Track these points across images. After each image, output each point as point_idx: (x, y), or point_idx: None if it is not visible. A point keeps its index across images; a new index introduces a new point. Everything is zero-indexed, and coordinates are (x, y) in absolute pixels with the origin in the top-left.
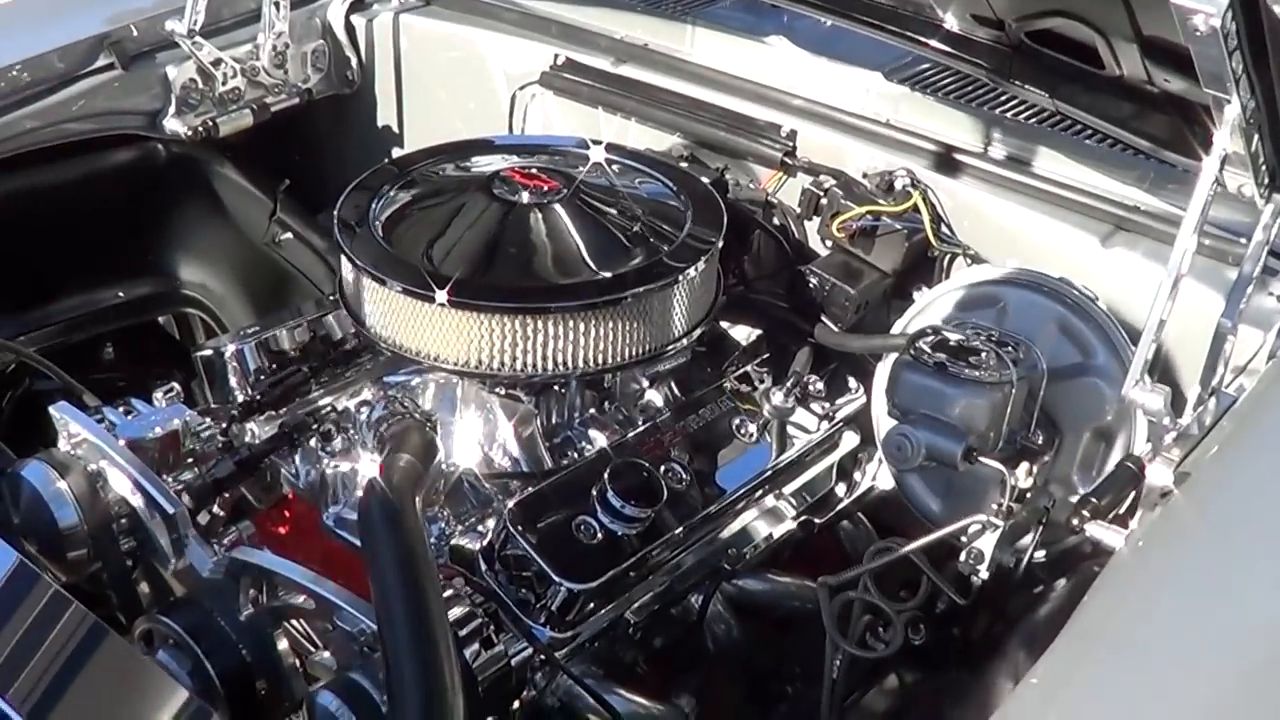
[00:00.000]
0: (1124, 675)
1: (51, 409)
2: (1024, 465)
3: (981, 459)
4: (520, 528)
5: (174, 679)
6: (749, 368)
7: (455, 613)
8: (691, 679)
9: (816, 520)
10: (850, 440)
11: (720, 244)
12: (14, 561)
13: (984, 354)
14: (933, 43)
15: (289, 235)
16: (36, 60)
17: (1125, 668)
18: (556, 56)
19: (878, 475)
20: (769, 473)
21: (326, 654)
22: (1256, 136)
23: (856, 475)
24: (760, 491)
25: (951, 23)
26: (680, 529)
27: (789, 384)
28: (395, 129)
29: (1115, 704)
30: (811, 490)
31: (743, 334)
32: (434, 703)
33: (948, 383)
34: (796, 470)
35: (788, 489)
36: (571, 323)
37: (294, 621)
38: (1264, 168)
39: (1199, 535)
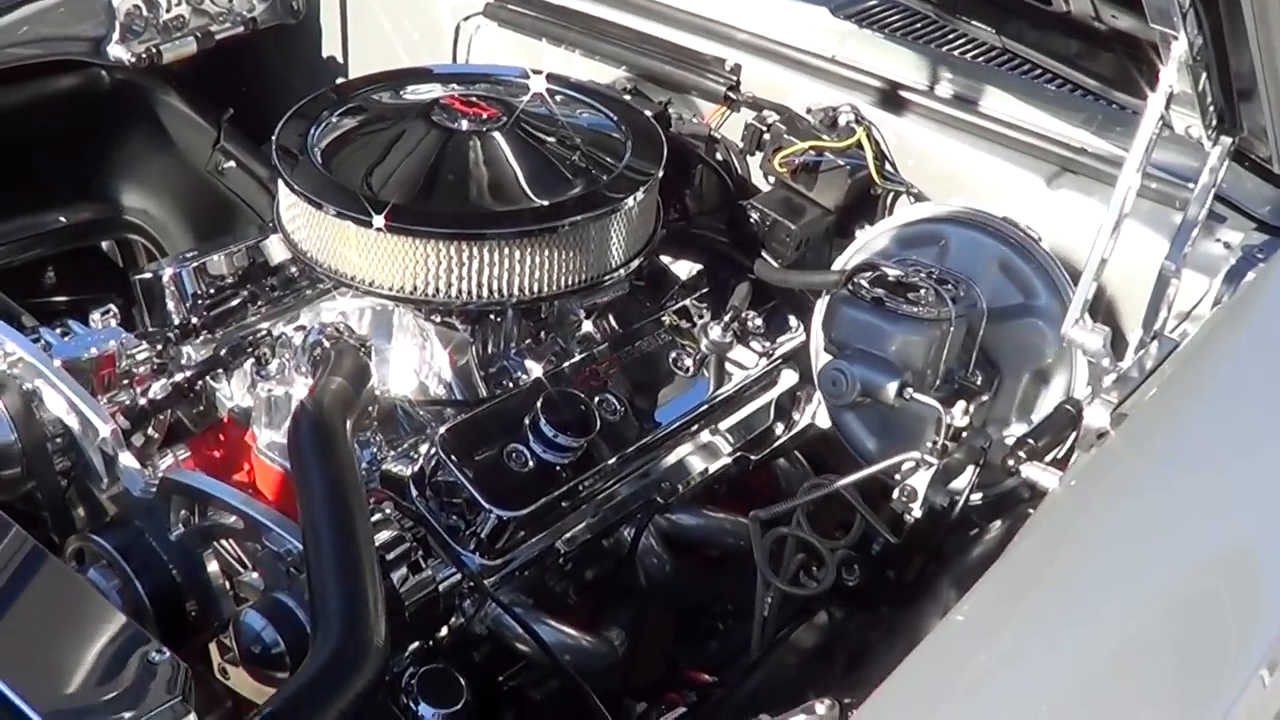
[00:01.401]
0: (1051, 612)
1: None
2: (960, 404)
3: (916, 396)
4: (451, 454)
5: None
6: (688, 302)
7: (383, 536)
8: (622, 612)
9: (752, 457)
10: (789, 378)
11: (660, 176)
12: None
13: (923, 291)
14: None
15: (232, 164)
16: None
17: (1052, 605)
18: None
19: (816, 414)
20: (705, 407)
21: (254, 575)
22: (1204, 75)
23: (795, 414)
24: (696, 426)
25: None
26: (613, 460)
27: (727, 318)
28: (340, 59)
29: (1039, 640)
30: (748, 427)
31: (683, 270)
32: (356, 624)
33: (885, 318)
34: (733, 406)
35: (724, 425)
36: (508, 250)
37: (224, 543)
38: (1211, 108)
39: (1133, 477)
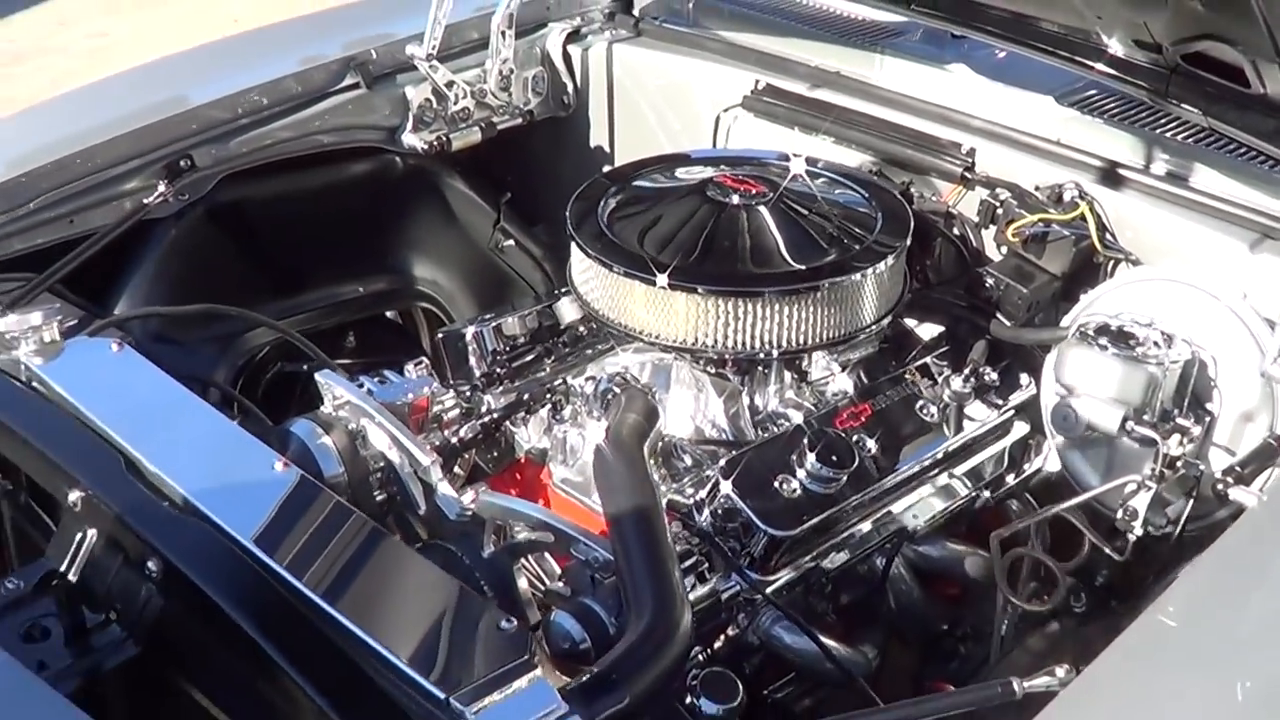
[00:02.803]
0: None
1: (318, 375)
2: (1175, 438)
3: (1137, 428)
4: (730, 481)
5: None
6: (929, 359)
7: (676, 548)
8: (873, 632)
9: (986, 494)
10: (1020, 428)
11: (906, 246)
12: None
13: (1142, 339)
14: (1098, 66)
15: (510, 242)
16: (292, 77)
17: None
18: (757, 82)
19: (1046, 461)
20: (945, 453)
21: (560, 583)
22: None
23: (1025, 462)
24: (937, 469)
25: (1115, 48)
26: (866, 495)
27: (966, 372)
28: (607, 149)
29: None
30: (983, 472)
31: (926, 332)
32: (667, 608)
33: (1109, 361)
34: (970, 452)
35: (961, 469)
36: (775, 306)
37: (526, 560)
38: None
39: None
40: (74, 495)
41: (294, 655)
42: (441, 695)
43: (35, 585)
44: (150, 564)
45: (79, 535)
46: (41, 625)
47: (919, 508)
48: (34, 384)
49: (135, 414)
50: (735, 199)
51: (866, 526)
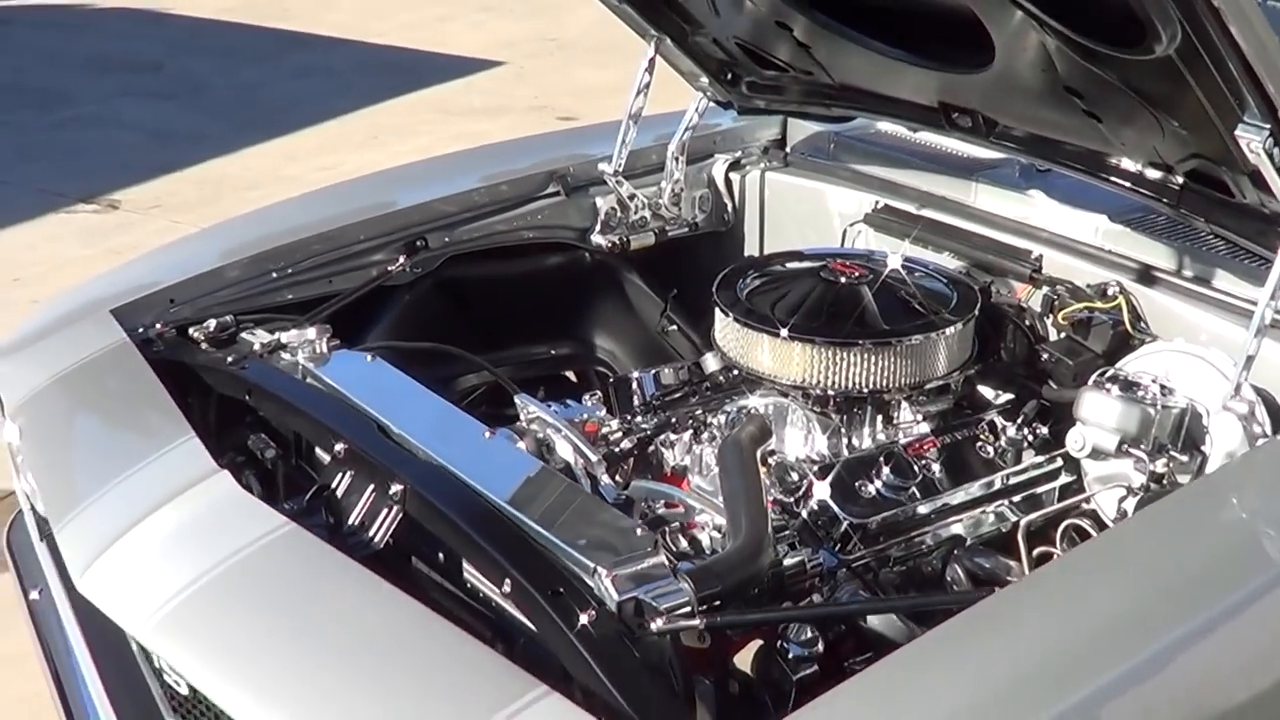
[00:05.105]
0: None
1: (516, 398)
2: (1161, 460)
3: (1131, 450)
4: (822, 481)
5: None
6: (994, 415)
7: (775, 521)
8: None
9: (1031, 516)
10: (1066, 476)
11: (973, 318)
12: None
13: (1144, 386)
14: (1124, 183)
15: (674, 328)
16: (507, 183)
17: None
18: (876, 203)
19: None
20: (999, 483)
21: (686, 543)
22: None
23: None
24: (991, 497)
25: (1137, 168)
26: (929, 505)
27: (1020, 421)
28: (756, 255)
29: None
30: (1030, 503)
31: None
32: (755, 539)
33: (1111, 400)
34: (1020, 488)
35: (1013, 499)
36: (867, 355)
37: (665, 537)
38: None
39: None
40: (339, 446)
41: (494, 542)
42: (591, 565)
43: (308, 502)
44: (393, 487)
45: (339, 474)
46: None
47: (973, 525)
48: (307, 379)
49: (384, 398)
50: (843, 279)
51: (930, 534)
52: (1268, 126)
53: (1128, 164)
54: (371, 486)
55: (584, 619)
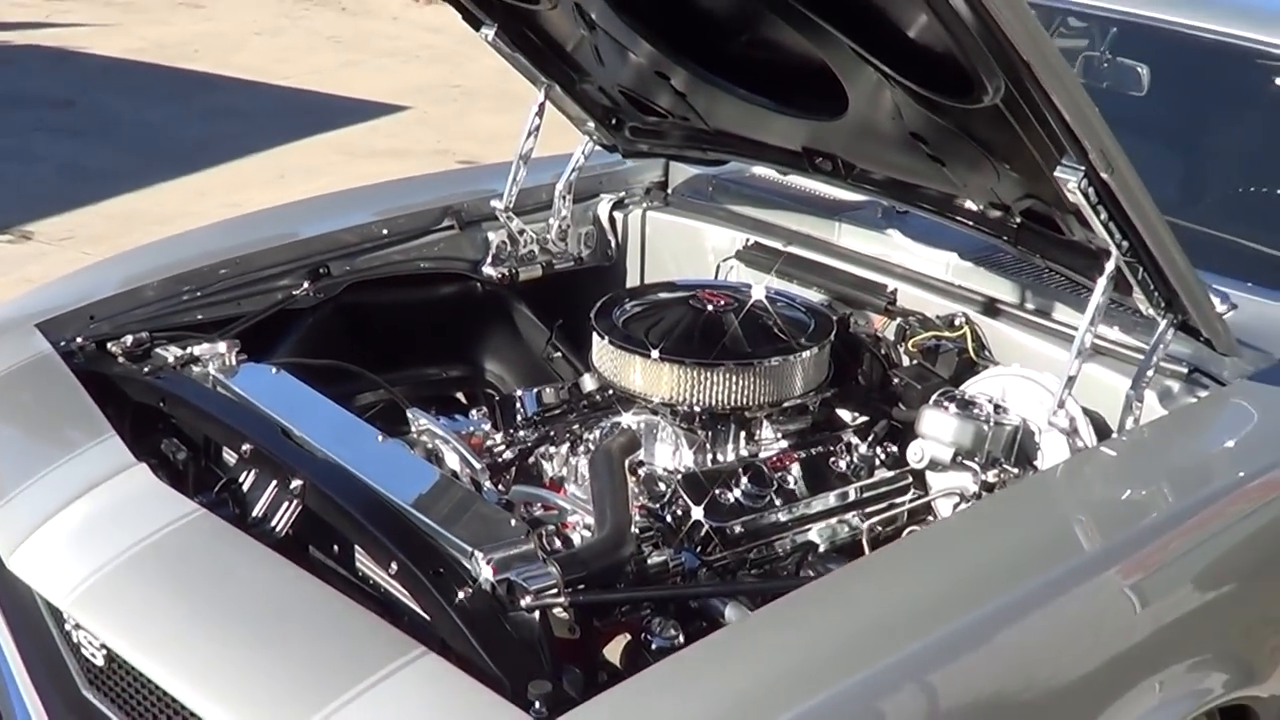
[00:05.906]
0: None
1: (408, 411)
2: (993, 472)
3: (965, 462)
4: (683, 487)
5: None
6: (848, 435)
7: (640, 523)
8: None
9: (880, 526)
10: (912, 490)
11: (828, 344)
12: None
13: (979, 405)
14: (969, 222)
15: (559, 355)
16: (405, 216)
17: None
18: (748, 240)
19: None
20: (851, 495)
21: (558, 541)
22: (1142, 270)
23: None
24: (843, 508)
25: (978, 207)
26: (784, 513)
27: (870, 440)
28: None
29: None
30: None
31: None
32: (618, 532)
33: (947, 416)
34: (870, 501)
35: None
36: (732, 377)
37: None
38: (1156, 293)
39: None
40: (245, 446)
41: (382, 529)
42: (469, 549)
43: (216, 495)
44: (294, 482)
45: (245, 471)
46: None
47: (827, 532)
48: (217, 388)
49: (287, 406)
50: (710, 307)
51: (786, 540)
52: (1082, 168)
53: (971, 205)
54: (274, 482)
55: (461, 595)
